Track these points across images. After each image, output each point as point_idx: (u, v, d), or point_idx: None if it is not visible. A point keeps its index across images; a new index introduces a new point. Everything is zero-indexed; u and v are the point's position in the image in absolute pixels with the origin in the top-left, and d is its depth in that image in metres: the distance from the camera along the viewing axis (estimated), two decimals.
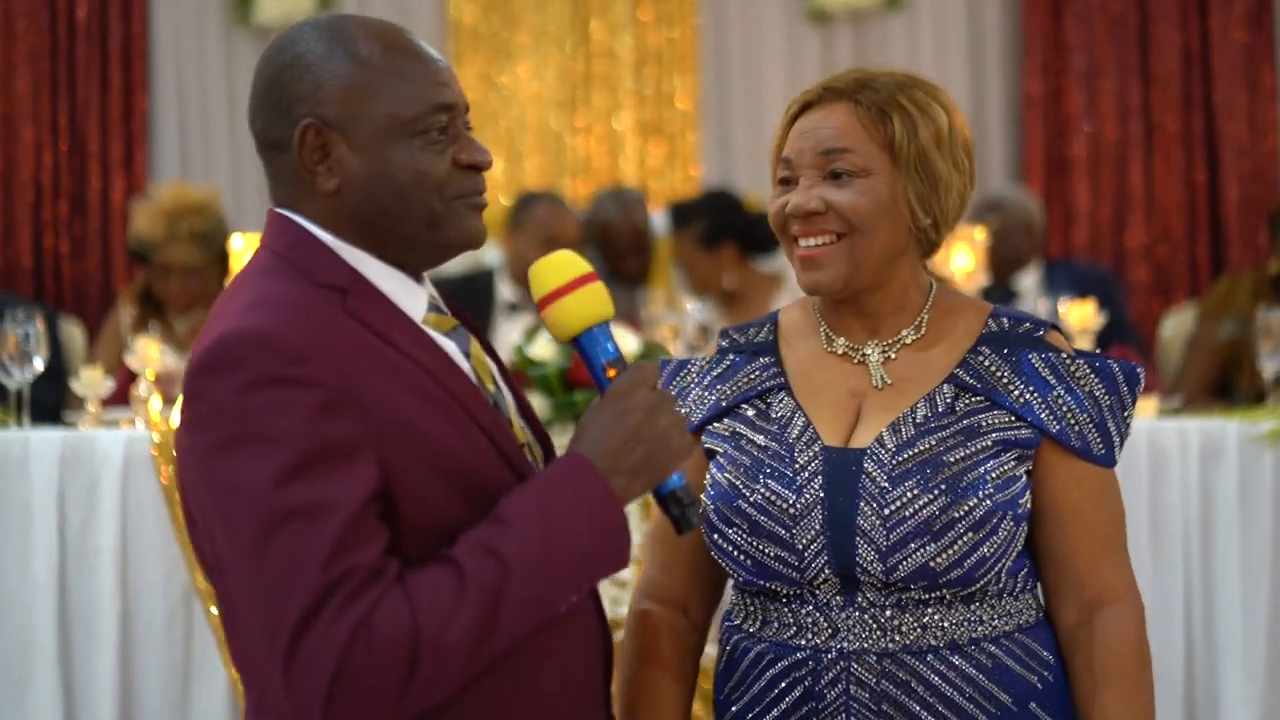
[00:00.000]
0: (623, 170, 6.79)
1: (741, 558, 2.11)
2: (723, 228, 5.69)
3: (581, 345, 1.92)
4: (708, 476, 2.17)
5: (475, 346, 1.97)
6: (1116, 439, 2.13)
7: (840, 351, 2.18)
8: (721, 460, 2.16)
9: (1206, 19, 6.62)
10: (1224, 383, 5.26)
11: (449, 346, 1.91)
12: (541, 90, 6.81)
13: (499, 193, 6.66)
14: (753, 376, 2.20)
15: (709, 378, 2.23)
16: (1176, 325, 5.73)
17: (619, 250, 5.90)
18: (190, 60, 6.66)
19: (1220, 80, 6.60)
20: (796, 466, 2.10)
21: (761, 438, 2.14)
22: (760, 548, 2.10)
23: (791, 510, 2.08)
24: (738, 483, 2.12)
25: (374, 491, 1.73)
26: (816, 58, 6.79)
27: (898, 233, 2.12)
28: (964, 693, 2.07)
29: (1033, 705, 2.10)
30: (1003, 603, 2.11)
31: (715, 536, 2.13)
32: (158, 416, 3.98)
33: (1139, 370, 2.14)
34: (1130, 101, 6.63)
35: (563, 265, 1.91)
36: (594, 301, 1.91)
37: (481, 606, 1.72)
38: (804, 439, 2.12)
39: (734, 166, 6.77)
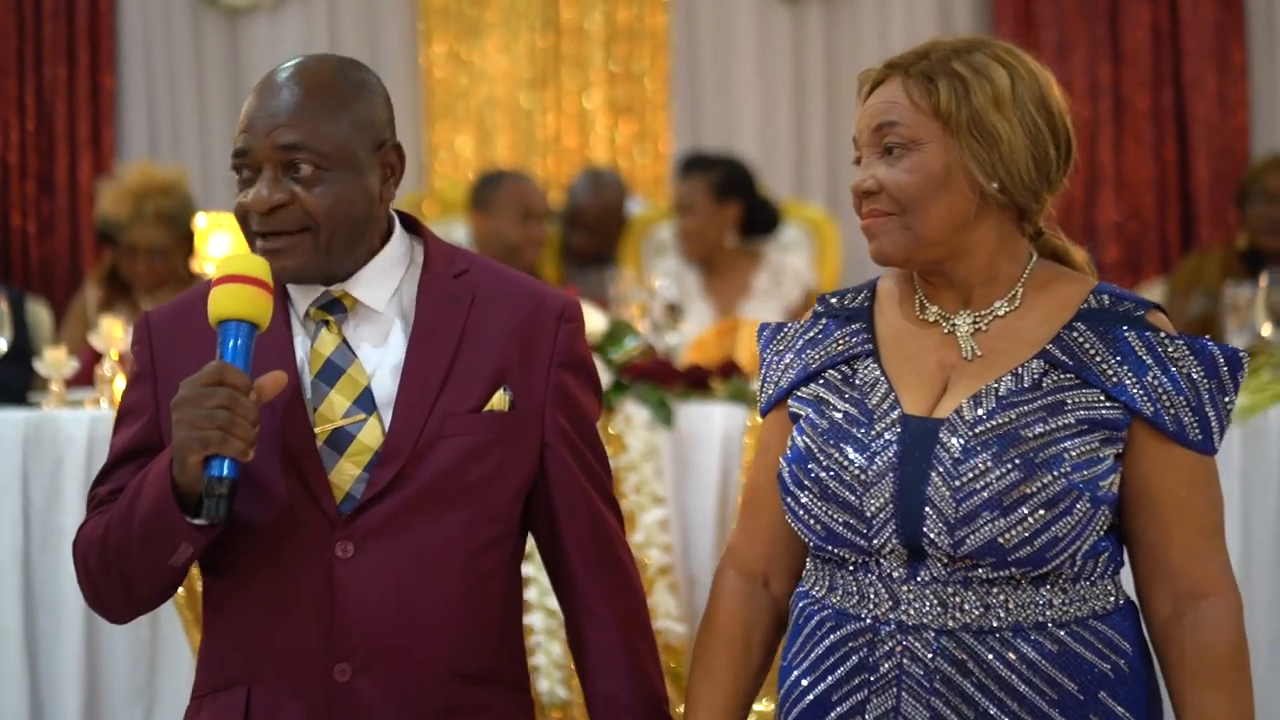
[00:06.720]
0: (593, 149, 6.76)
1: (812, 522, 2.09)
2: (737, 185, 5.68)
3: (220, 329, 2.05)
4: (788, 439, 2.14)
5: (324, 339, 2.16)
6: (1216, 425, 2.04)
7: (931, 319, 2.13)
8: (803, 424, 2.13)
9: None
10: None
11: (298, 339, 2.17)
12: (511, 68, 6.77)
13: (469, 171, 6.64)
14: (842, 342, 2.16)
15: (801, 341, 2.20)
16: None
17: (582, 225, 5.91)
18: (158, 39, 6.61)
19: (1190, 57, 6.60)
20: (873, 433, 2.06)
21: (843, 403, 2.11)
22: (830, 513, 2.06)
23: (862, 477, 2.04)
24: (813, 447, 2.09)
25: (132, 447, 2.18)
26: (788, 35, 6.77)
27: (958, 201, 2.07)
28: (1023, 676, 2.01)
29: (1102, 694, 2.03)
30: (1077, 587, 2.04)
31: (789, 499, 2.11)
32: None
33: (1242, 355, 2.06)
34: (1100, 78, 6.62)
35: (248, 263, 2.07)
36: (247, 301, 2.04)
37: (102, 543, 2.12)
38: (884, 406, 2.08)
39: (705, 145, 6.72)
